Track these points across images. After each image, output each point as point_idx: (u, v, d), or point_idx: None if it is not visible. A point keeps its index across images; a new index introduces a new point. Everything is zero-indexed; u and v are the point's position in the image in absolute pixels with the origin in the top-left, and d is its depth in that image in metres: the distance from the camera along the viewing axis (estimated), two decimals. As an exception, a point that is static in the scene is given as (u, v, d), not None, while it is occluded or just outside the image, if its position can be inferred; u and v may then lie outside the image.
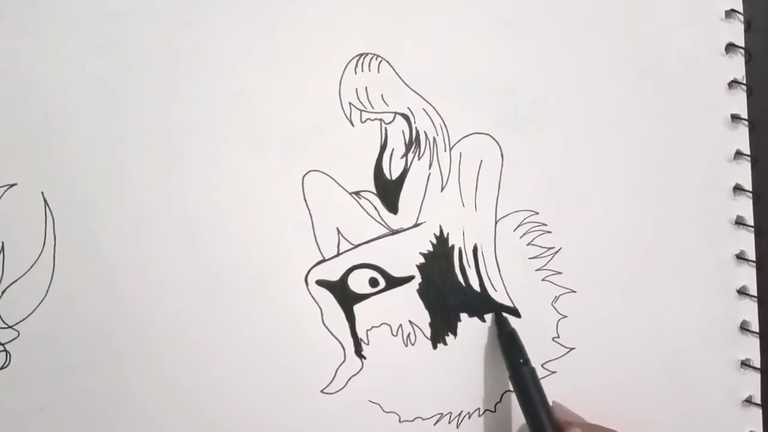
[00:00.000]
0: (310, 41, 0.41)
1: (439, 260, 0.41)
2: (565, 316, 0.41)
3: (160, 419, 0.40)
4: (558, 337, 0.41)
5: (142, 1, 0.41)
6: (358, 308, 0.41)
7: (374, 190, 0.41)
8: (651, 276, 0.42)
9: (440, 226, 0.41)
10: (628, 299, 0.42)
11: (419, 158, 0.41)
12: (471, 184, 0.42)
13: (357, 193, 0.41)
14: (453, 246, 0.41)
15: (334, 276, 0.41)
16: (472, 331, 0.41)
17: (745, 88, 0.43)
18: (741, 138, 0.43)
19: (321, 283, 0.41)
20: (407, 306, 0.41)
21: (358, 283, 0.41)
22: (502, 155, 0.42)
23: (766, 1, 0.44)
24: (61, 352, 0.39)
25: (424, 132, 0.41)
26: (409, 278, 0.41)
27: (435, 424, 0.41)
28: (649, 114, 0.43)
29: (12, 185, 0.40)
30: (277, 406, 0.40)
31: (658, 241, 0.42)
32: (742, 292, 0.43)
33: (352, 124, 0.41)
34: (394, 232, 0.41)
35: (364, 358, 0.41)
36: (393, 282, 0.41)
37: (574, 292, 0.42)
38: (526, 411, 0.38)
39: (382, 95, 0.41)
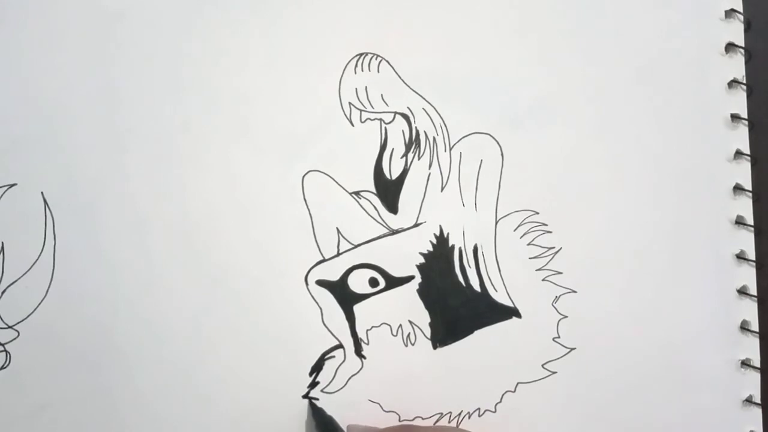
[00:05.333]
0: (310, 41, 0.41)
1: (439, 260, 0.41)
2: (566, 317, 0.41)
3: (161, 419, 0.40)
4: (558, 337, 0.41)
5: (142, 1, 0.41)
6: (358, 308, 0.41)
7: (374, 190, 0.41)
8: (651, 276, 0.42)
9: (440, 226, 0.41)
10: (629, 299, 0.42)
11: (419, 158, 0.41)
12: (471, 184, 0.42)
13: (357, 193, 0.41)
14: (453, 246, 0.41)
15: (334, 276, 0.41)
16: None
17: (745, 87, 0.43)
18: (741, 138, 0.43)
19: (321, 283, 0.41)
20: (407, 306, 0.41)
21: (358, 283, 0.41)
22: (502, 155, 0.42)
23: (766, 1, 0.44)
24: (61, 352, 0.39)
25: (424, 132, 0.41)
26: (409, 278, 0.41)
27: (435, 424, 0.41)
28: (649, 114, 0.43)
29: (12, 185, 0.40)
30: (278, 405, 0.40)
31: (658, 240, 0.42)
32: (742, 292, 0.43)
33: (352, 124, 0.41)
34: (394, 232, 0.41)
35: (364, 357, 0.41)
36: (393, 282, 0.41)
37: (575, 292, 0.42)
38: None
39: (382, 95, 0.41)
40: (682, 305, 0.42)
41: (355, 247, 0.41)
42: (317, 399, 0.40)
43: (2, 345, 0.39)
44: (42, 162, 0.40)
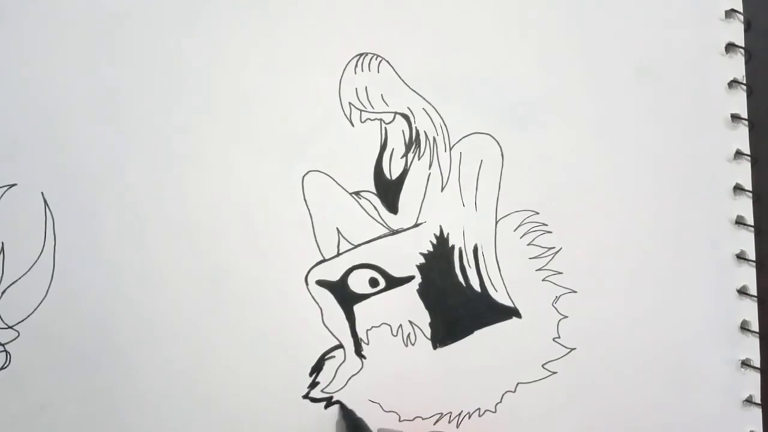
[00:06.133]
0: (310, 41, 0.41)
1: (439, 260, 0.41)
2: (566, 317, 0.41)
3: (161, 419, 0.40)
4: (558, 337, 0.41)
5: (142, 1, 0.41)
6: (358, 308, 0.41)
7: (374, 190, 0.41)
8: (651, 276, 0.42)
9: (440, 226, 0.41)
10: (629, 299, 0.42)
11: (419, 158, 0.41)
12: (471, 184, 0.42)
13: (357, 193, 0.41)
14: (453, 246, 0.41)
15: (334, 276, 0.41)
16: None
17: (745, 87, 0.43)
18: (741, 138, 0.43)
19: (321, 283, 0.41)
20: (407, 306, 0.41)
21: (358, 283, 0.41)
22: (502, 155, 0.42)
23: (766, 1, 0.44)
24: (61, 353, 0.39)
25: (424, 132, 0.41)
26: (409, 278, 0.41)
27: (435, 424, 0.41)
28: (649, 114, 0.43)
29: (12, 185, 0.40)
30: (278, 405, 0.40)
31: (658, 241, 0.42)
32: (742, 292, 0.43)
33: (352, 124, 0.41)
34: (394, 232, 0.41)
35: (364, 357, 0.41)
36: (393, 282, 0.41)
37: (575, 292, 0.42)
38: None
39: (382, 95, 0.41)
40: (682, 305, 0.42)
41: (355, 247, 0.41)
42: (322, 399, 0.40)
43: (2, 345, 0.39)
44: (42, 162, 0.40)
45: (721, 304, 0.42)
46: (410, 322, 0.41)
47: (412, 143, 0.41)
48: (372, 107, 0.41)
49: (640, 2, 0.43)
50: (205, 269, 0.40)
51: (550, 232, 0.42)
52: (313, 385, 0.40)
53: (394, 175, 0.41)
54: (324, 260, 0.41)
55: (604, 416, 0.41)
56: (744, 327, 0.42)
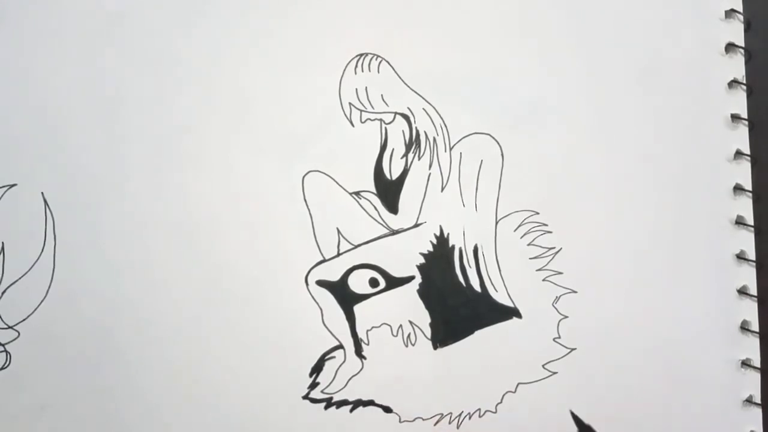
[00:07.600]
0: (310, 41, 0.41)
1: (439, 260, 0.41)
2: (566, 317, 0.41)
3: (161, 419, 0.40)
4: (559, 337, 0.41)
5: (142, 0, 0.41)
6: (358, 308, 0.41)
7: (374, 190, 0.41)
8: (651, 276, 0.42)
9: (440, 226, 0.41)
10: (629, 299, 0.42)
11: (419, 158, 0.41)
12: (471, 184, 0.42)
13: (357, 193, 0.41)
14: (453, 246, 0.41)
15: (335, 276, 0.41)
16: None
17: (745, 87, 0.43)
18: (741, 138, 0.43)
19: (321, 283, 0.41)
20: (407, 306, 0.41)
21: (359, 283, 0.41)
22: (502, 155, 0.42)
23: (766, 1, 0.44)
24: (61, 353, 0.39)
25: (424, 132, 0.41)
26: (410, 278, 0.41)
27: (435, 425, 0.41)
28: (649, 114, 0.43)
29: (12, 185, 0.40)
30: (278, 405, 0.40)
31: (659, 241, 0.42)
32: (742, 292, 0.43)
33: (352, 124, 0.41)
34: (394, 233, 0.41)
35: (365, 358, 0.41)
36: (393, 282, 0.41)
37: (575, 292, 0.42)
38: None
39: (382, 95, 0.41)
40: (682, 305, 0.42)
41: (356, 247, 0.41)
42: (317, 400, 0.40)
43: (2, 345, 0.39)
44: (42, 162, 0.40)
45: (721, 304, 0.42)
46: (410, 322, 0.41)
47: (412, 143, 0.41)
48: (372, 107, 0.41)
49: (640, 2, 0.43)
50: (205, 269, 0.40)
51: (550, 232, 0.42)
52: (313, 385, 0.40)
53: (394, 175, 0.41)
54: (324, 260, 0.41)
55: (604, 416, 0.41)
56: (744, 327, 0.42)
